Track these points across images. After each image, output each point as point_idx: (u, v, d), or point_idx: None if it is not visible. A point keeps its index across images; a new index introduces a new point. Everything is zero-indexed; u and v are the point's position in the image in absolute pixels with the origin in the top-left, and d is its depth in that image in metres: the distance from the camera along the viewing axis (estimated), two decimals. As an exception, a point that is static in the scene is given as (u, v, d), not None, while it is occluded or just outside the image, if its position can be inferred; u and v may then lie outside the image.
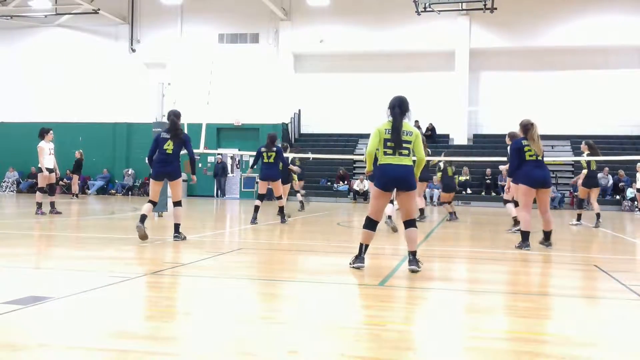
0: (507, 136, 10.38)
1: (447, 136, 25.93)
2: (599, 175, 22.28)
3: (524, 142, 7.81)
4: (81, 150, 22.38)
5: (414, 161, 5.96)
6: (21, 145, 26.76)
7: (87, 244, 7.96)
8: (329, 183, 24.78)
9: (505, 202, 11.18)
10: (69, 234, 9.78)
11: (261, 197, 11.97)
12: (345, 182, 24.24)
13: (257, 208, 11.59)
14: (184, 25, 27.01)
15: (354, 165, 25.44)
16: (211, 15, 26.62)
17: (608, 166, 22.44)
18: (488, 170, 23.32)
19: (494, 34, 24.85)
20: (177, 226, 8.08)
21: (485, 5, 21.60)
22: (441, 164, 14.00)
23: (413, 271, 5.69)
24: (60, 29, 27.80)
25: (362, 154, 14.60)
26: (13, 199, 20.93)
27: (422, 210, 13.26)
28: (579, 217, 13.20)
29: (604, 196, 22.23)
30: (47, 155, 12.76)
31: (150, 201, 8.10)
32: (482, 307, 4.49)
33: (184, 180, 26.79)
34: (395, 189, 5.95)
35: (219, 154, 24.94)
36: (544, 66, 25.03)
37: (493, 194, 23.10)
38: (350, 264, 5.99)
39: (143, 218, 7.77)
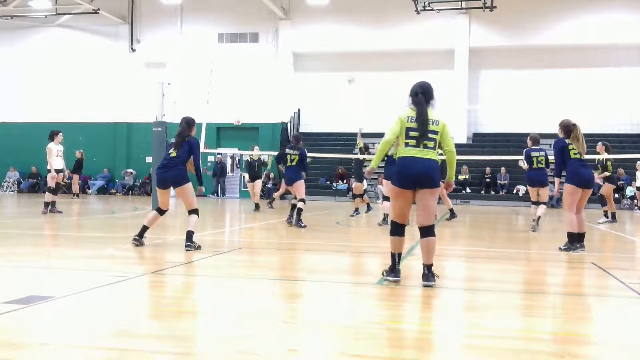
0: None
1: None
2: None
3: (567, 141, 7.70)
4: (82, 150, 22.39)
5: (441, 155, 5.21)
6: (22, 145, 26.80)
7: (87, 243, 7.98)
8: (328, 182, 24.81)
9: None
10: (69, 233, 9.80)
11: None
12: (345, 181, 24.25)
13: (294, 206, 11.28)
14: (184, 25, 27.02)
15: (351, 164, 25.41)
16: (211, 14, 26.63)
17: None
18: (487, 169, 23.33)
19: (493, 33, 24.85)
20: (189, 234, 7.25)
21: (484, 3, 21.61)
22: None
23: (427, 286, 4.94)
24: (61, 29, 27.81)
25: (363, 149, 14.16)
26: (14, 199, 20.95)
27: (451, 211, 13.20)
28: (608, 214, 13.64)
29: (603, 194, 22.28)
30: (54, 156, 13.09)
31: (157, 209, 7.58)
32: (481, 305, 4.51)
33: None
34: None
35: (218, 153, 24.96)
36: (543, 64, 25.03)
37: (492, 192, 23.11)
38: (383, 276, 5.19)
39: (143, 230, 7.41)
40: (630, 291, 5.03)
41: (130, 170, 26.83)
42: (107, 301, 4.36)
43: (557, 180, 7.93)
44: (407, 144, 5.05)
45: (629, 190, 21.23)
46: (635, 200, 20.48)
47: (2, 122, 28.26)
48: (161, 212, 7.56)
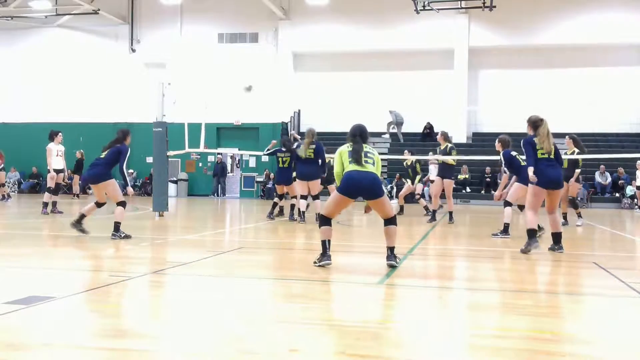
0: (497, 141, 10.19)
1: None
2: (597, 173, 22.39)
3: (536, 140, 7.44)
4: (82, 150, 22.37)
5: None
6: (22, 146, 26.79)
7: (88, 243, 7.97)
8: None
9: (507, 204, 10.25)
10: (70, 233, 9.79)
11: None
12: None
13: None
14: (184, 25, 27.02)
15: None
16: (211, 15, 26.63)
17: (607, 164, 22.47)
18: (487, 169, 23.33)
19: (493, 32, 24.85)
20: (116, 225, 8.25)
21: (484, 3, 21.62)
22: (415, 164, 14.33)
23: (391, 266, 5.89)
24: (61, 29, 27.82)
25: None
26: (15, 199, 20.95)
27: (434, 212, 12.55)
28: (579, 215, 13.18)
29: (603, 194, 22.27)
30: (54, 156, 13.11)
31: (95, 202, 8.59)
32: (482, 305, 4.51)
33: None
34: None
35: (218, 153, 24.97)
36: (543, 64, 25.04)
37: (493, 192, 23.07)
38: (315, 264, 5.98)
39: (81, 217, 8.40)
40: (631, 291, 5.03)
41: (131, 170, 26.83)
42: (107, 301, 4.36)
43: (530, 169, 7.52)
44: (350, 162, 6.01)
45: (629, 190, 21.22)
46: (636, 200, 20.47)
47: (2, 122, 28.26)
48: (98, 204, 8.56)
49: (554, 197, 7.39)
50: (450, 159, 12.10)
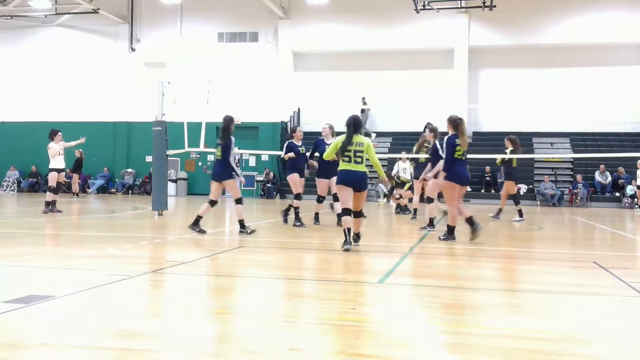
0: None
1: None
2: (597, 173, 22.39)
3: (457, 141, 8.08)
4: (81, 150, 22.38)
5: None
6: (22, 145, 26.80)
7: (88, 242, 7.97)
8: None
9: (430, 200, 10.44)
10: (69, 232, 9.79)
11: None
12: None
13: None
14: (184, 24, 27.01)
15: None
16: (210, 14, 26.61)
17: (607, 163, 22.47)
18: (487, 168, 23.31)
19: (493, 32, 24.84)
20: (240, 222, 8.80)
21: (484, 2, 21.62)
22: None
23: (355, 244, 7.21)
24: (60, 28, 27.80)
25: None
26: (14, 198, 20.95)
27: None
28: (520, 214, 13.21)
29: (603, 193, 22.26)
30: (57, 155, 13.13)
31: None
32: (480, 304, 4.51)
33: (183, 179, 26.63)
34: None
35: (218, 152, 24.95)
36: (543, 64, 25.02)
37: (492, 191, 23.10)
38: (342, 248, 7.11)
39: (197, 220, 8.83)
40: (631, 290, 5.03)
41: (130, 169, 26.83)
42: (107, 301, 4.35)
43: (437, 167, 8.45)
44: (343, 160, 7.17)
45: (629, 189, 21.22)
46: (636, 199, 20.47)
47: (2, 121, 28.25)
48: (212, 203, 9.16)
49: (462, 192, 8.39)
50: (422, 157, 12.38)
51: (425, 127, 11.49)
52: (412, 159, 14.04)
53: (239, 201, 8.91)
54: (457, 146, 8.08)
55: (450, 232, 8.32)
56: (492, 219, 13.05)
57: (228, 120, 8.91)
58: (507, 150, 12.96)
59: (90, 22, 27.23)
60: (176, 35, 26.91)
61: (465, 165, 8.23)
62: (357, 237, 7.38)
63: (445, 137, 8.37)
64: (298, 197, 10.68)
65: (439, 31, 24.85)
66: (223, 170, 8.81)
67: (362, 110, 25.20)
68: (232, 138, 8.91)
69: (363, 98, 25.41)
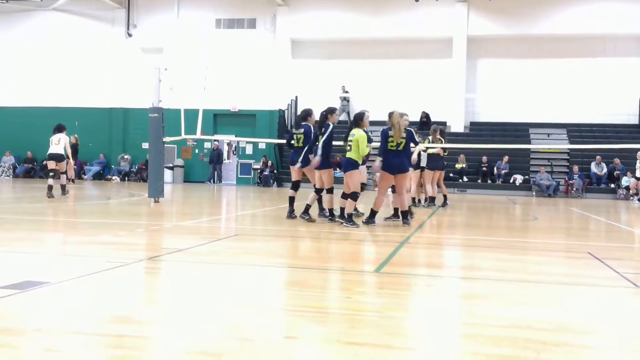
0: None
1: (444, 123, 25.80)
2: (593, 164, 22.42)
3: (390, 132, 8.72)
4: (77, 135, 22.29)
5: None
6: (17, 130, 26.68)
7: (83, 229, 7.96)
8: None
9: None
10: (65, 219, 9.78)
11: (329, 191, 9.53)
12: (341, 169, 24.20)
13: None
14: (181, 10, 26.83)
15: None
16: (208, 0, 26.45)
17: (603, 155, 22.50)
18: (484, 158, 23.33)
19: (491, 21, 24.75)
20: (330, 210, 9.24)
21: (483, -8, 21.51)
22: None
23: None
24: (57, 12, 27.58)
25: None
26: (9, 184, 20.89)
27: (432, 199, 13.22)
28: (432, 200, 13.31)
29: (598, 184, 22.32)
30: (54, 144, 13.70)
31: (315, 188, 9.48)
32: (477, 294, 4.52)
33: (180, 166, 26.57)
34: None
35: (215, 140, 24.91)
36: (541, 54, 24.97)
37: (489, 181, 23.14)
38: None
39: (307, 208, 9.25)
40: (624, 281, 5.05)
41: (127, 155, 26.75)
42: (103, 287, 4.35)
43: (378, 159, 8.87)
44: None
45: (625, 180, 21.27)
46: (631, 191, 20.52)
47: (-3, 106, 28.12)
48: (317, 191, 9.55)
49: (399, 180, 8.88)
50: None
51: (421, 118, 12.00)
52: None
53: (329, 191, 9.30)
54: (390, 137, 8.71)
55: (371, 216, 8.90)
56: (443, 208, 13.11)
57: (305, 112, 9.64)
58: (436, 141, 13.17)
59: (87, 7, 27.03)
60: (173, 21, 26.74)
61: (399, 156, 8.75)
62: (342, 214, 8.71)
63: (381, 130, 9.04)
64: (330, 191, 9.45)
65: (437, 20, 24.76)
66: (324, 160, 9.24)
67: (343, 99, 25.19)
68: (330, 124, 9.23)
69: (343, 86, 25.37)
